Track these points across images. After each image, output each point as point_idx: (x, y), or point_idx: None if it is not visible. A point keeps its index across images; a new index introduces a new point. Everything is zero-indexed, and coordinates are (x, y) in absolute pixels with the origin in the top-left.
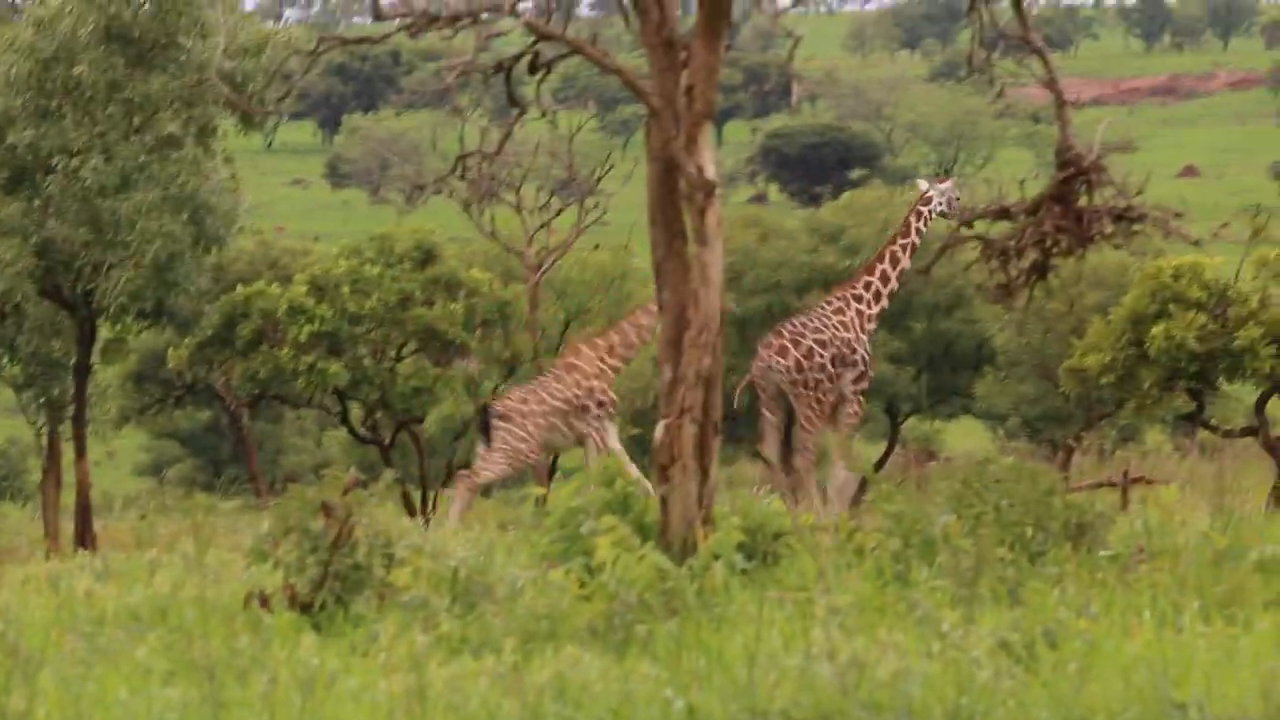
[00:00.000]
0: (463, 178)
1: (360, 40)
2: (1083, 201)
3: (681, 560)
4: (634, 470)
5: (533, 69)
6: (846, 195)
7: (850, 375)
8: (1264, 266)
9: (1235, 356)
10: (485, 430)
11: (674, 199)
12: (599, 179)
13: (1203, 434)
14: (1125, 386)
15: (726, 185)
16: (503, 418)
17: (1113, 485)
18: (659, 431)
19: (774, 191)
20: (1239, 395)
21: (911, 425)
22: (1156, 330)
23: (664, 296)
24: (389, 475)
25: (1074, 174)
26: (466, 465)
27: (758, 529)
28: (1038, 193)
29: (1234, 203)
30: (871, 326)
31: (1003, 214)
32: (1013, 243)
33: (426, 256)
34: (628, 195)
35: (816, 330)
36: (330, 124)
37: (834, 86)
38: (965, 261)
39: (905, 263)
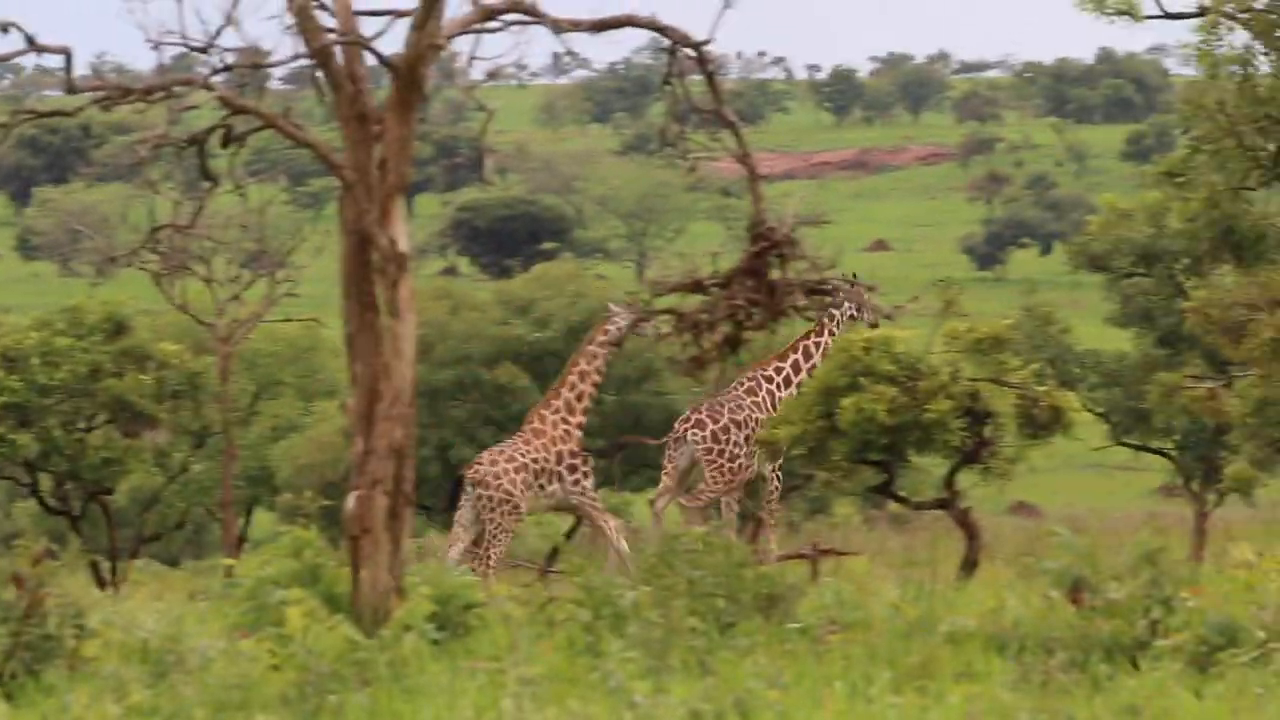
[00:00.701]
0: (154, 250)
1: (54, 113)
2: (775, 274)
3: (373, 631)
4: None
5: (225, 142)
6: (537, 268)
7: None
8: (954, 340)
9: (925, 429)
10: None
11: (366, 271)
12: (290, 251)
13: (892, 506)
14: (816, 458)
15: (417, 258)
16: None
17: (803, 557)
18: (350, 503)
19: (465, 264)
20: (928, 468)
21: (601, 497)
22: (847, 403)
23: (356, 369)
24: (78, 545)
25: (766, 247)
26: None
27: (449, 600)
28: (730, 266)
29: (924, 276)
30: (780, 409)
31: (695, 287)
32: (705, 316)
33: (117, 328)
34: (319, 267)
35: (733, 412)
36: (20, 196)
37: (525, 160)
38: (655, 334)
39: (817, 359)
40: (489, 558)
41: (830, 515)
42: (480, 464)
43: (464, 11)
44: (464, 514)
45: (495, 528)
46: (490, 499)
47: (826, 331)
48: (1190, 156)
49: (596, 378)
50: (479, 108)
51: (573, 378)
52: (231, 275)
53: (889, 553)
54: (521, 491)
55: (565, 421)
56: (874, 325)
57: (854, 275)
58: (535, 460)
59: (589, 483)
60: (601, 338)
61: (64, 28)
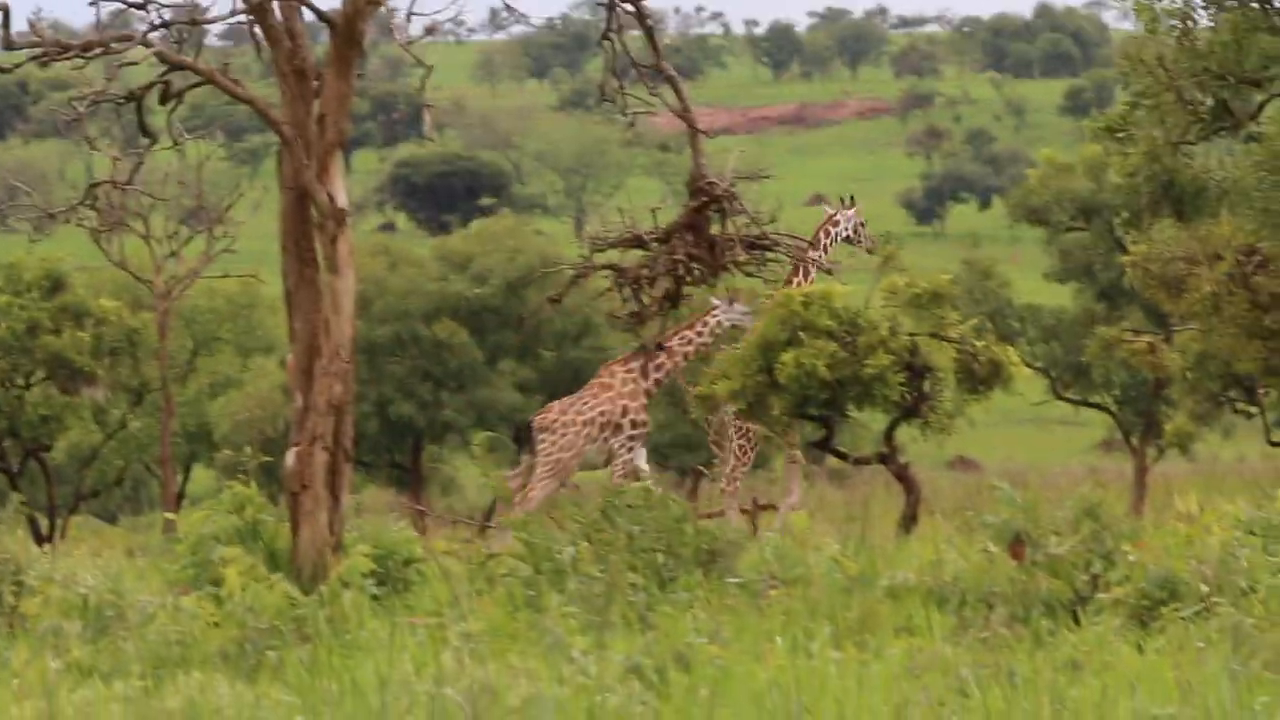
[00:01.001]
0: (93, 207)
1: None
2: (715, 229)
3: (313, 587)
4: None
5: (164, 98)
6: (475, 224)
7: None
8: (893, 294)
9: (865, 384)
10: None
11: (306, 227)
12: (228, 207)
13: (832, 461)
14: (755, 413)
15: (355, 213)
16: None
17: (743, 511)
18: (290, 459)
19: (402, 220)
20: (868, 422)
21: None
22: (786, 357)
23: (295, 325)
24: (16, 502)
25: (706, 202)
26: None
27: (388, 556)
28: (670, 221)
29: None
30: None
31: (635, 242)
32: (645, 271)
33: (55, 285)
34: (257, 224)
35: None
36: None
37: (462, 116)
38: (596, 290)
39: (814, 275)
40: (531, 498)
41: (769, 470)
42: (549, 413)
43: None
44: (529, 461)
45: (547, 471)
46: (553, 444)
47: (823, 248)
48: (1130, 111)
49: (680, 360)
50: (418, 63)
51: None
52: (170, 232)
53: (829, 507)
54: (584, 445)
55: (636, 382)
56: (871, 250)
57: (851, 198)
58: (602, 413)
59: (639, 447)
60: (700, 328)
61: None
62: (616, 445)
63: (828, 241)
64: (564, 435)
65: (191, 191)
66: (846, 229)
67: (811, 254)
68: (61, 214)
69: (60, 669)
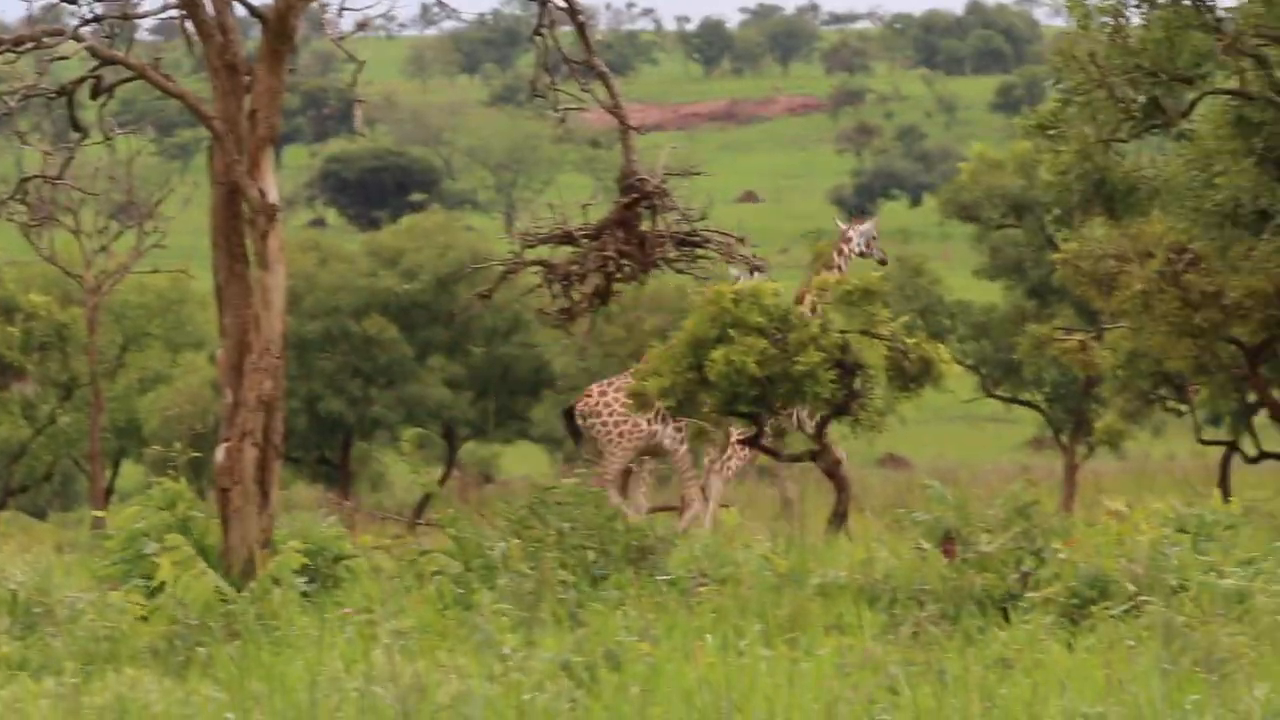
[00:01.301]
0: (23, 201)
1: None
2: (646, 226)
3: (242, 583)
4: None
5: (95, 93)
6: (406, 219)
7: None
8: (824, 291)
9: (795, 381)
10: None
11: (236, 223)
12: (158, 202)
13: (762, 458)
14: (685, 410)
15: (286, 209)
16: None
17: (672, 509)
18: (220, 455)
19: (332, 215)
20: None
21: (469, 449)
22: (716, 355)
23: (225, 320)
24: None
25: (637, 198)
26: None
27: (319, 552)
28: (600, 217)
29: (793, 228)
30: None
31: (566, 238)
32: (575, 267)
33: None
34: (187, 219)
35: None
36: None
37: (393, 111)
38: (525, 286)
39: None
40: (604, 474)
41: (700, 467)
42: (590, 396)
43: None
44: (589, 448)
45: (608, 446)
46: (604, 424)
47: (836, 268)
48: (1061, 108)
49: None
50: (349, 58)
51: None
52: (100, 226)
53: (759, 504)
54: (634, 423)
55: None
56: (883, 262)
57: (862, 211)
58: None
59: (688, 441)
60: None
61: None
62: (667, 441)
63: (841, 260)
64: (610, 411)
65: (122, 186)
66: (860, 244)
67: (825, 273)
68: None
69: None
